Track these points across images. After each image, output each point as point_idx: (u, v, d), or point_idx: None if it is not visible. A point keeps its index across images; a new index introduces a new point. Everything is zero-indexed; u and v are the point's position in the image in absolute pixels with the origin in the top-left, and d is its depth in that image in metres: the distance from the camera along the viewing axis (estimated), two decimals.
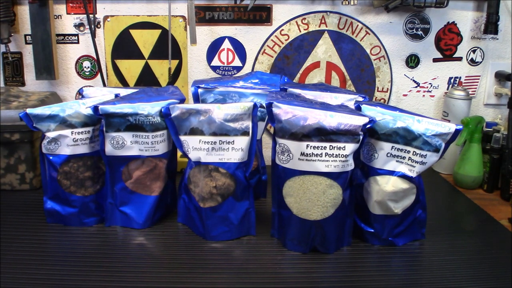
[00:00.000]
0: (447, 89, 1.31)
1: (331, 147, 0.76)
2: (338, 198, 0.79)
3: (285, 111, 0.78)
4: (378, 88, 1.29)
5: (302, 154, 0.77)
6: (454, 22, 1.26)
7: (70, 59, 1.25)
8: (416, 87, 1.30)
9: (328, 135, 0.76)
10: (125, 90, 0.97)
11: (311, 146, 0.76)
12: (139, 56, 1.24)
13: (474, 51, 1.29)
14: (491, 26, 1.21)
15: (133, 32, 1.23)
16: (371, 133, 0.82)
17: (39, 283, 0.71)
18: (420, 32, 1.26)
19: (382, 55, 1.27)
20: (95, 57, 1.23)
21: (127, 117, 0.84)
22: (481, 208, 1.02)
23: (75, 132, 0.87)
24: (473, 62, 1.30)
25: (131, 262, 0.78)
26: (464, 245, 0.86)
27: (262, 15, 1.23)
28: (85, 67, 1.26)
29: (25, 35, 1.23)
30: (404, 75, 1.29)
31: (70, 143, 0.86)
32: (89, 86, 1.26)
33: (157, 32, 1.23)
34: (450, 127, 0.79)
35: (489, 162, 1.12)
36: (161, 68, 1.25)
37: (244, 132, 0.83)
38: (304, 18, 1.23)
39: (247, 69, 1.27)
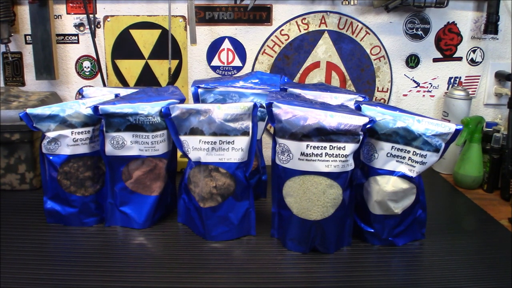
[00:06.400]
0: (447, 89, 1.31)
1: (331, 147, 0.76)
2: (338, 198, 0.79)
3: (285, 111, 0.78)
4: (378, 88, 1.29)
5: (302, 154, 0.77)
6: (454, 22, 1.26)
7: (70, 59, 1.25)
8: (416, 87, 1.30)
9: (328, 135, 0.76)
10: (125, 90, 0.97)
11: (311, 146, 0.76)
12: (139, 56, 1.24)
13: (474, 51, 1.29)
14: (491, 26, 1.21)
15: (133, 32, 1.23)
16: (371, 133, 0.82)
17: (39, 283, 0.71)
18: (420, 32, 1.26)
19: (382, 55, 1.27)
20: (95, 57, 1.23)
21: (127, 117, 0.84)
22: (481, 208, 1.02)
23: (75, 132, 0.87)
24: (473, 62, 1.30)
25: (131, 262, 0.78)
26: (464, 245, 0.86)
27: (262, 15, 1.23)
28: (85, 67, 1.26)
29: (25, 35, 1.23)
30: (404, 75, 1.29)
31: (70, 143, 0.86)
32: (89, 86, 1.26)
33: (157, 32, 1.23)
34: (450, 127, 0.79)
35: (489, 162, 1.12)
36: (161, 68, 1.25)
37: (244, 132, 0.83)
38: (304, 18, 1.23)
39: (247, 69, 1.27)
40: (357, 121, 0.76)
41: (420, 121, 0.79)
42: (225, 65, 1.26)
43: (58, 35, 1.22)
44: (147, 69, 1.25)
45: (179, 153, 0.90)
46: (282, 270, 0.78)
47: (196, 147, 0.83)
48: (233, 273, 0.76)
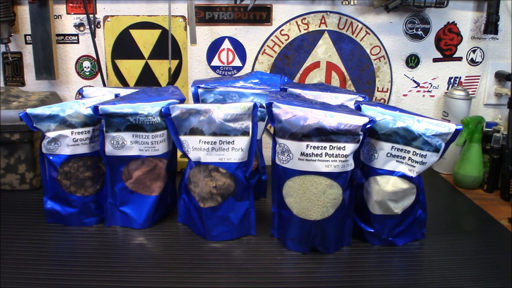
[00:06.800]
0: (447, 89, 1.31)
1: (331, 147, 0.76)
2: (338, 198, 0.79)
3: (285, 111, 0.78)
4: (378, 88, 1.29)
5: (302, 154, 0.77)
6: (454, 22, 1.26)
7: (70, 59, 1.25)
8: (416, 87, 1.30)
9: (328, 135, 0.76)
10: (125, 90, 0.97)
11: (311, 146, 0.76)
12: (139, 56, 1.24)
13: (474, 51, 1.29)
14: (491, 26, 1.21)
15: (133, 32, 1.23)
16: (371, 133, 0.82)
17: (39, 283, 0.71)
18: (420, 32, 1.26)
19: (382, 55, 1.27)
20: (95, 57, 1.23)
21: (127, 117, 0.84)
22: (481, 208, 1.02)
23: (75, 132, 0.87)
24: (473, 62, 1.30)
25: (131, 262, 0.78)
26: (464, 245, 0.86)
27: (262, 15, 1.23)
28: (85, 67, 1.26)
29: (25, 35, 1.23)
30: (404, 75, 1.29)
31: (70, 143, 0.86)
32: (89, 86, 1.26)
33: (157, 32, 1.23)
34: (450, 127, 0.79)
35: (489, 162, 1.12)
36: (161, 68, 1.25)
37: (244, 132, 0.83)
38: (304, 18, 1.23)
39: (247, 69, 1.27)
40: (357, 121, 0.76)
41: (420, 121, 0.79)
42: (225, 65, 1.26)
43: (58, 35, 1.23)
44: (147, 69, 1.25)
45: (179, 153, 0.90)
46: (282, 270, 0.78)
47: (196, 147, 0.83)
48: (233, 273, 0.76)
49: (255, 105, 0.82)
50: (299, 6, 1.22)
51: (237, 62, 1.26)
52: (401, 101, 1.31)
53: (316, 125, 0.75)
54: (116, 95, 0.93)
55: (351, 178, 0.80)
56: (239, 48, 1.25)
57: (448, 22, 1.26)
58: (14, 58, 1.24)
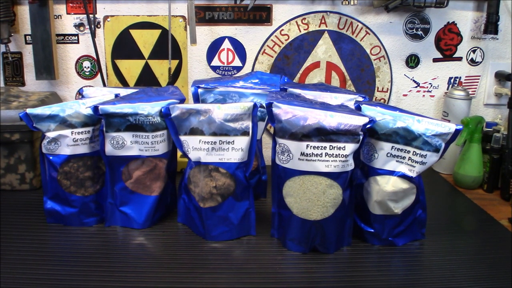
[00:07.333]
0: (447, 89, 1.31)
1: (331, 147, 0.76)
2: (338, 198, 0.79)
3: (285, 111, 0.78)
4: (378, 88, 1.29)
5: (302, 154, 0.77)
6: (454, 22, 1.26)
7: (70, 59, 1.25)
8: (416, 87, 1.30)
9: (328, 135, 0.76)
10: (125, 90, 0.97)
11: (311, 146, 0.76)
12: (139, 56, 1.24)
13: (474, 51, 1.29)
14: (491, 26, 1.21)
15: (133, 32, 1.23)
16: (371, 133, 0.82)
17: (39, 283, 0.71)
18: (420, 32, 1.26)
19: (382, 55, 1.27)
20: (95, 57, 1.23)
21: (127, 117, 0.84)
22: (481, 208, 1.02)
23: (75, 132, 0.87)
24: (473, 62, 1.30)
25: (131, 262, 0.78)
26: (464, 245, 0.86)
27: (262, 15, 1.23)
28: (85, 67, 1.26)
29: (25, 35, 1.23)
30: (404, 75, 1.29)
31: (70, 143, 0.86)
32: (89, 86, 1.26)
33: (157, 32, 1.23)
34: (450, 127, 0.79)
35: (489, 162, 1.12)
36: (161, 68, 1.25)
37: (244, 132, 0.83)
38: (304, 18, 1.23)
39: (247, 69, 1.27)
40: (357, 121, 0.76)
41: (420, 121, 0.79)
42: (225, 65, 1.26)
43: (58, 35, 1.22)
44: (147, 69, 1.25)
45: (179, 153, 0.90)
46: (282, 270, 0.78)
47: (196, 147, 0.83)
48: (233, 273, 0.76)
49: (255, 105, 0.82)
50: (299, 6, 1.22)
51: (237, 62, 1.26)
52: (401, 101, 1.31)
53: (316, 125, 0.75)
54: (116, 95, 0.93)
55: (351, 178, 0.80)
56: (239, 48, 1.25)
57: (448, 22, 1.26)
58: (14, 58, 1.24)
